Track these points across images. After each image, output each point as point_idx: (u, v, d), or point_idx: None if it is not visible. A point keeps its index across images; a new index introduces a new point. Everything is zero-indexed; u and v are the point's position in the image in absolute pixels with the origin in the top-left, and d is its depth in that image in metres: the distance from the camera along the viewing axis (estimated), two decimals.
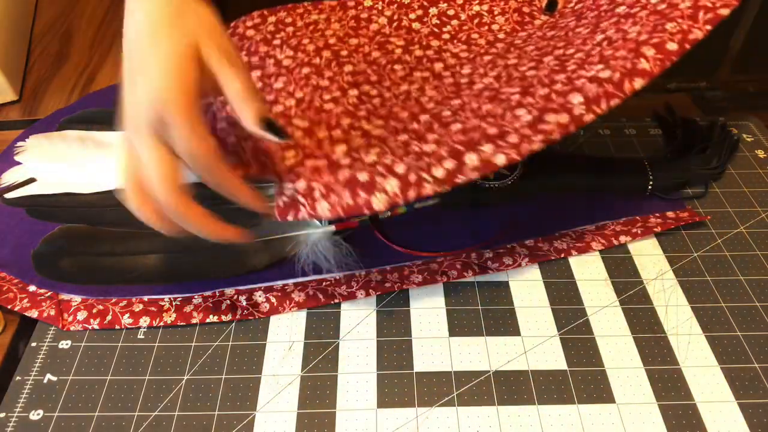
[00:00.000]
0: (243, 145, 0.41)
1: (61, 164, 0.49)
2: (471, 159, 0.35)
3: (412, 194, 0.34)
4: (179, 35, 0.32)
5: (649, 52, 0.36)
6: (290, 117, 0.43)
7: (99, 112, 0.55)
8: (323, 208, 0.35)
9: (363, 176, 0.35)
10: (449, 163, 0.35)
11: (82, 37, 0.69)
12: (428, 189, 0.34)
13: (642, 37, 0.38)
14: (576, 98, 0.36)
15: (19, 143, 0.51)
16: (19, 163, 0.50)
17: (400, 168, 0.35)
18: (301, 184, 0.37)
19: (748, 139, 0.55)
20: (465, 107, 0.40)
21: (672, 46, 0.36)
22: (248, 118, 0.33)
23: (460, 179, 0.34)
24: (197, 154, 0.32)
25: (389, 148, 0.38)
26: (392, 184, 0.35)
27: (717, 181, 0.51)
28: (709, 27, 0.37)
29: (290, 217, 0.36)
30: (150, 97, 0.30)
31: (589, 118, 0.35)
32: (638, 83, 0.36)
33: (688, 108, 0.59)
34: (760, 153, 0.54)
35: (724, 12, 0.38)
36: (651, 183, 0.47)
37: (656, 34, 0.37)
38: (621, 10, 0.43)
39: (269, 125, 0.33)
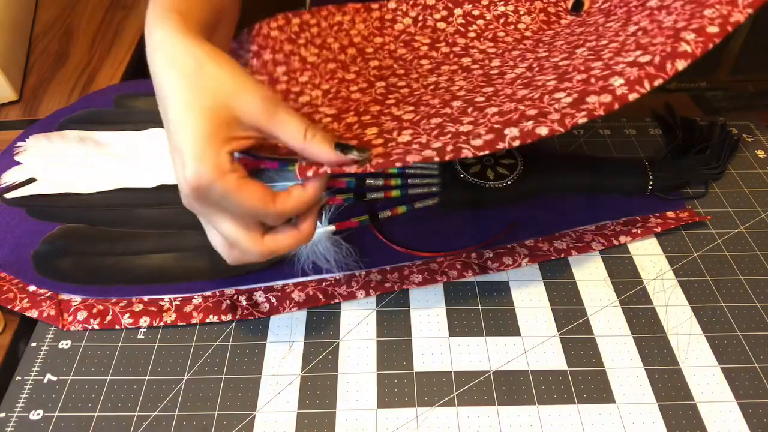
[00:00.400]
0: None
1: (61, 164, 0.49)
2: (511, 131, 0.34)
3: (450, 155, 0.33)
4: (201, 108, 0.31)
5: (690, 36, 0.36)
6: (317, 106, 0.43)
7: (99, 112, 0.55)
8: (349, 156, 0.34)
9: (397, 151, 0.35)
10: (488, 136, 0.34)
11: (82, 37, 0.69)
12: (467, 152, 0.33)
13: (680, 24, 0.37)
14: (617, 81, 0.35)
15: (19, 143, 0.51)
16: (19, 163, 0.50)
17: (436, 144, 0.34)
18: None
19: (748, 139, 0.55)
20: (498, 93, 0.40)
21: (713, 29, 0.36)
22: (323, 154, 0.33)
23: (500, 145, 0.34)
24: (252, 210, 0.32)
25: (423, 129, 0.37)
26: (427, 154, 0.34)
27: (717, 181, 0.51)
28: (750, 11, 0.36)
29: (311, 173, 0.34)
30: (188, 184, 0.31)
31: (632, 96, 0.34)
32: (681, 64, 0.35)
33: (688, 108, 0.59)
34: (760, 153, 0.53)
35: None
36: (651, 183, 0.47)
37: (695, 20, 0.37)
38: (653, 3, 0.42)
39: (344, 148, 0.33)
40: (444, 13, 0.52)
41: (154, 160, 0.49)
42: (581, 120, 0.34)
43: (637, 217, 0.47)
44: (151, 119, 0.54)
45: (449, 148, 0.34)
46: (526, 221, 0.47)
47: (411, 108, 0.41)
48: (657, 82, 0.35)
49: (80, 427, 0.36)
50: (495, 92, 0.40)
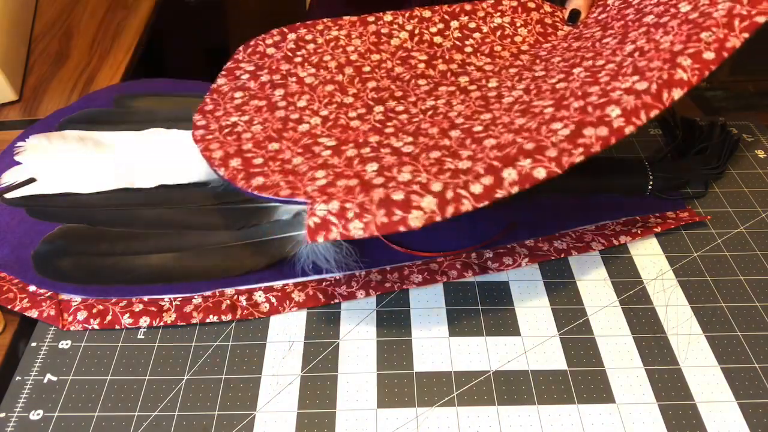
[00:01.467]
0: (270, 165, 0.41)
1: (61, 164, 0.49)
2: (509, 174, 0.34)
3: (450, 211, 0.34)
4: None
5: (686, 62, 0.36)
6: (317, 136, 0.43)
7: (99, 112, 0.55)
8: (356, 227, 0.34)
9: (398, 195, 0.35)
10: (487, 179, 0.34)
11: (82, 37, 0.69)
12: (467, 205, 0.34)
13: (676, 47, 0.37)
14: (614, 111, 0.35)
15: (19, 143, 0.51)
16: (19, 163, 0.50)
17: (436, 186, 0.35)
18: (333, 205, 0.35)
19: (748, 139, 0.55)
20: (496, 122, 0.40)
21: (709, 55, 0.36)
22: None
23: (500, 194, 0.34)
24: None
25: (422, 166, 0.38)
26: (429, 201, 0.34)
27: (717, 181, 0.51)
28: (746, 35, 0.37)
29: (320, 239, 0.35)
30: None
31: (629, 130, 0.34)
32: (677, 93, 0.35)
33: (688, 108, 0.59)
34: (760, 153, 0.54)
35: (761, 20, 0.37)
36: (651, 183, 0.47)
37: (691, 44, 0.37)
38: (650, 19, 0.42)
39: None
40: (440, 26, 0.52)
41: (154, 160, 0.49)
42: (578, 159, 0.34)
43: (637, 217, 0.47)
44: (151, 119, 0.54)
45: (449, 194, 0.34)
46: (526, 221, 0.47)
47: (410, 139, 0.41)
48: (653, 113, 0.35)
49: (80, 427, 0.36)
50: (493, 120, 0.40)
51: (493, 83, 0.46)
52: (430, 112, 0.44)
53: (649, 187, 0.48)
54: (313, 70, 0.48)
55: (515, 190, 0.34)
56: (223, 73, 0.49)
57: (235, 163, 0.41)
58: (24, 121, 0.58)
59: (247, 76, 0.49)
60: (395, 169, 0.38)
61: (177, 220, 0.46)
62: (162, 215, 0.46)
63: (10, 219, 0.46)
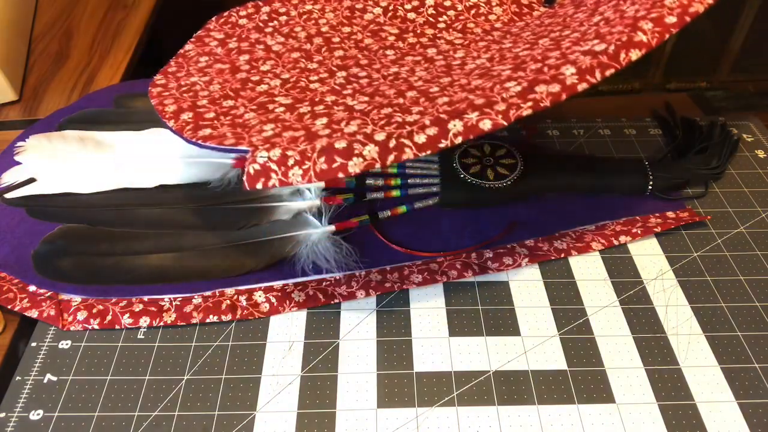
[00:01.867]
0: (222, 119, 0.41)
1: (61, 164, 0.49)
2: (455, 125, 0.34)
3: (391, 158, 0.34)
4: None
5: (647, 25, 0.36)
6: (274, 96, 0.43)
7: (99, 112, 0.55)
8: (295, 174, 0.34)
9: (341, 144, 0.35)
10: (432, 130, 0.34)
11: (82, 37, 0.69)
12: (408, 154, 0.34)
13: (640, 13, 0.37)
14: (568, 69, 0.35)
15: (19, 143, 0.51)
16: (19, 163, 0.50)
17: (379, 136, 0.35)
18: (275, 152, 0.35)
19: (748, 139, 0.55)
20: (454, 84, 0.40)
21: (671, 19, 0.36)
22: None
23: (443, 144, 0.34)
24: None
25: (371, 120, 0.37)
26: (370, 149, 0.34)
27: (717, 181, 0.51)
28: (710, 1, 0.36)
29: (259, 185, 0.35)
30: None
31: (582, 87, 0.34)
32: (635, 54, 0.35)
33: (688, 108, 0.59)
34: (760, 153, 0.54)
35: None
36: (651, 183, 0.47)
37: (654, 9, 0.37)
38: None
39: None
40: (416, 3, 0.52)
41: (154, 160, 0.49)
42: (526, 112, 0.34)
43: (637, 217, 0.47)
44: (151, 119, 0.53)
45: (392, 143, 0.34)
46: (526, 221, 0.47)
47: (366, 99, 0.41)
48: (609, 72, 0.35)
49: (80, 427, 0.36)
50: (451, 82, 0.40)
51: (459, 54, 0.46)
52: (391, 77, 0.44)
53: (649, 187, 0.48)
54: (282, 39, 0.49)
55: (459, 140, 0.34)
56: (193, 40, 0.50)
57: (186, 116, 0.41)
58: (24, 121, 0.58)
59: (215, 43, 0.49)
60: (343, 123, 0.38)
61: (177, 220, 0.46)
62: (162, 215, 0.46)
63: (10, 219, 0.46)
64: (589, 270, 0.44)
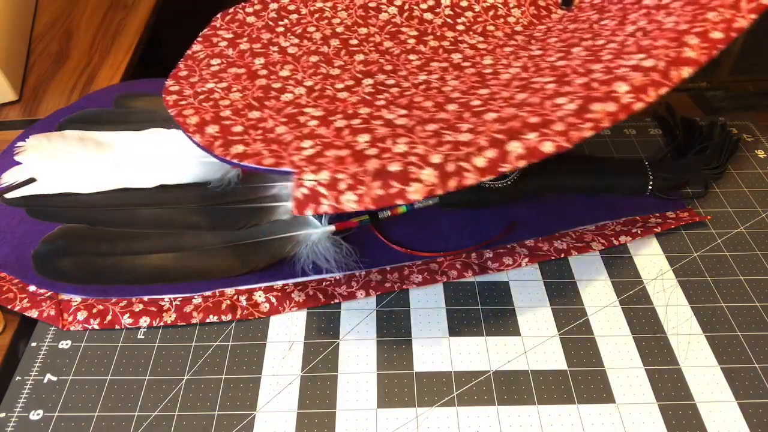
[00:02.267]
0: (251, 133, 0.39)
1: (61, 164, 0.49)
2: (514, 147, 0.32)
3: (452, 184, 0.31)
4: None
5: (693, 41, 0.35)
6: (301, 106, 0.41)
7: (99, 112, 0.55)
8: (349, 199, 0.32)
9: (394, 166, 0.32)
10: (491, 152, 0.32)
11: (82, 37, 0.69)
12: (470, 179, 0.31)
13: (682, 26, 0.36)
14: (621, 87, 0.34)
15: (19, 143, 0.51)
16: (19, 163, 0.50)
17: (435, 158, 0.32)
18: (323, 175, 0.33)
19: (748, 139, 0.55)
20: (495, 96, 0.38)
21: (717, 35, 0.35)
22: None
23: (505, 168, 0.32)
24: None
25: (418, 137, 0.35)
26: (428, 174, 0.32)
27: (717, 181, 0.51)
28: (753, 16, 0.36)
29: (309, 211, 0.33)
30: None
31: (638, 106, 0.33)
32: (686, 72, 0.34)
33: (688, 108, 0.59)
34: (760, 153, 0.53)
35: (766, 1, 0.36)
36: (651, 183, 0.47)
37: (698, 23, 0.36)
38: (648, 2, 0.41)
39: None
40: (431, 2, 0.50)
41: (155, 160, 0.49)
42: (587, 134, 0.32)
43: (637, 217, 0.47)
44: (151, 119, 0.54)
45: (450, 167, 0.32)
46: (526, 221, 0.47)
47: (403, 111, 0.39)
48: (662, 91, 0.34)
49: (80, 427, 0.36)
50: (491, 95, 0.39)
51: (487, 60, 0.44)
52: (422, 86, 0.42)
53: (649, 187, 0.48)
54: (296, 41, 0.47)
55: (521, 164, 0.32)
56: (199, 39, 0.48)
57: (211, 130, 0.39)
58: (24, 121, 0.58)
59: (225, 43, 0.47)
60: (389, 141, 0.36)
61: (177, 220, 0.46)
62: (162, 215, 0.46)
63: (10, 219, 0.46)
64: (589, 270, 0.44)
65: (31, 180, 0.48)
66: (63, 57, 0.66)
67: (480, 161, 0.32)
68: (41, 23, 0.70)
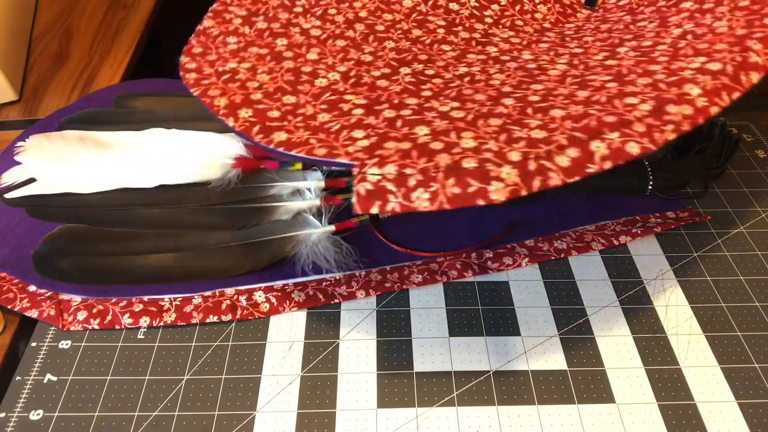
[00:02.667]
0: (290, 119, 0.36)
1: (61, 164, 0.49)
2: (598, 146, 0.30)
3: (536, 184, 0.30)
4: None
5: (757, 46, 0.34)
6: (341, 93, 0.38)
7: (99, 112, 0.55)
8: (421, 197, 0.29)
9: (468, 162, 0.30)
10: (573, 151, 0.30)
11: (82, 37, 0.69)
12: (555, 179, 0.30)
13: (739, 31, 0.35)
14: (694, 90, 0.32)
15: (19, 143, 0.51)
16: (19, 163, 0.50)
17: (513, 155, 0.30)
18: (389, 169, 0.30)
19: (748, 139, 0.55)
20: (552, 93, 0.36)
21: None
22: None
23: (591, 169, 0.30)
24: None
25: (485, 132, 0.33)
26: (508, 172, 0.29)
27: (717, 181, 0.51)
28: None
29: (375, 209, 0.30)
30: None
31: (714, 110, 0.32)
32: (755, 77, 0.33)
33: None
34: (760, 153, 0.53)
35: None
36: (651, 183, 0.47)
37: (756, 29, 0.35)
38: (689, 5, 0.41)
39: None
40: None
41: (155, 160, 0.49)
42: (670, 136, 0.31)
43: (637, 217, 0.47)
44: (151, 119, 0.53)
45: (532, 165, 0.30)
46: (526, 221, 0.47)
47: (456, 104, 0.36)
48: (735, 95, 0.33)
49: (80, 427, 0.36)
50: (548, 91, 0.36)
51: (527, 56, 0.42)
52: (467, 78, 0.39)
53: (649, 187, 0.48)
54: (318, 23, 0.44)
55: (607, 165, 0.30)
56: (210, 15, 0.45)
57: (245, 114, 0.36)
58: (24, 121, 0.58)
59: (239, 21, 0.44)
60: (453, 134, 0.33)
61: (177, 220, 0.46)
62: (162, 215, 0.46)
63: (10, 219, 0.46)
64: (589, 270, 0.44)
65: (31, 180, 0.48)
66: (63, 57, 0.66)
67: (563, 160, 0.30)
68: (41, 23, 0.70)
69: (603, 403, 0.37)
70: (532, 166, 0.30)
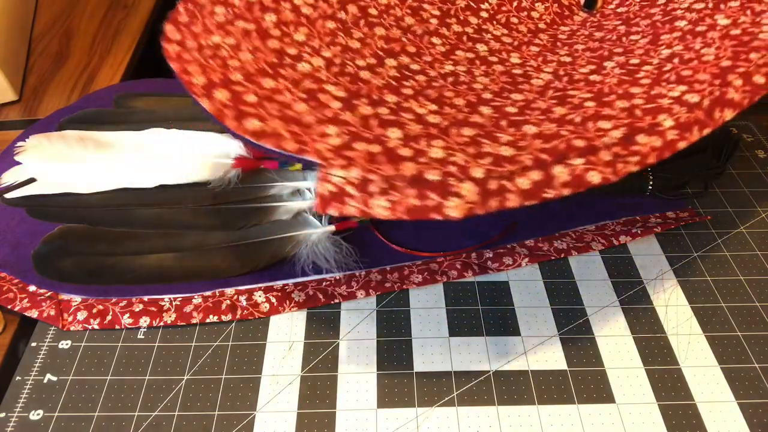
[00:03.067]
0: (266, 106, 0.35)
1: (61, 164, 0.49)
2: (561, 172, 0.31)
3: (493, 204, 0.30)
4: None
5: (737, 81, 0.34)
6: (322, 81, 0.37)
7: (99, 112, 0.55)
8: (380, 205, 0.29)
9: (432, 175, 0.30)
10: (535, 174, 0.30)
11: (82, 37, 0.69)
12: (513, 201, 0.30)
13: (724, 62, 0.36)
14: (667, 121, 0.32)
15: (19, 143, 0.51)
16: (19, 163, 0.50)
17: (477, 172, 0.30)
18: (353, 173, 0.30)
19: (748, 139, 0.55)
20: (531, 105, 0.36)
21: (759, 80, 0.34)
22: None
23: (549, 194, 0.30)
24: None
25: (455, 143, 0.33)
26: (469, 189, 0.30)
27: (717, 181, 0.51)
28: None
29: (333, 210, 0.30)
30: None
31: (682, 145, 0.32)
32: (728, 114, 0.33)
33: None
34: (760, 153, 0.53)
35: None
36: (651, 183, 0.47)
37: (740, 62, 0.35)
38: (682, 25, 0.41)
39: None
40: None
41: (155, 160, 0.49)
42: (633, 168, 0.31)
43: (637, 217, 0.47)
44: (151, 119, 0.54)
45: (492, 185, 0.30)
46: (526, 221, 0.47)
47: (434, 107, 0.37)
48: (705, 131, 0.33)
49: (80, 427, 0.36)
50: (527, 103, 0.37)
51: (515, 59, 0.42)
52: (450, 79, 0.39)
53: (649, 187, 0.48)
54: (310, 0, 0.42)
55: (566, 192, 0.31)
56: None
57: (221, 95, 0.35)
58: (24, 121, 0.58)
59: None
60: (423, 142, 0.33)
61: (177, 220, 0.46)
62: (162, 215, 0.46)
63: (10, 219, 0.46)
64: (589, 270, 0.44)
65: (31, 180, 0.48)
66: (63, 57, 0.66)
67: (524, 183, 0.30)
68: (41, 23, 0.70)
69: (603, 403, 0.37)
70: (492, 185, 0.30)
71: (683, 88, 0.35)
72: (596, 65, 0.40)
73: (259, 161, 0.48)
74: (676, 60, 0.38)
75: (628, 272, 0.44)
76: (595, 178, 0.31)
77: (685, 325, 0.41)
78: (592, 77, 0.39)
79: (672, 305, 0.42)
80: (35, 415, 0.37)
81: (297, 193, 0.46)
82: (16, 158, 0.50)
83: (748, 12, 0.39)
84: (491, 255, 0.45)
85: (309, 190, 0.46)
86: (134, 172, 0.48)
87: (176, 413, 0.37)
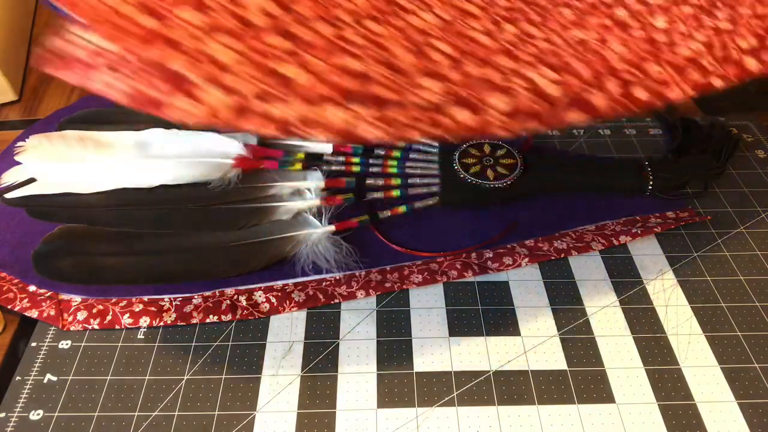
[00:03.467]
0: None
1: (61, 164, 0.49)
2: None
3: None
4: None
5: (610, 84, 0.32)
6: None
7: (99, 112, 0.55)
8: (112, 82, 0.26)
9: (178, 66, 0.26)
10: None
11: None
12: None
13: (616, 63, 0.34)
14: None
15: (19, 143, 0.51)
16: (19, 163, 0.50)
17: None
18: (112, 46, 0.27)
19: (748, 139, 0.55)
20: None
21: (641, 94, 0.33)
22: None
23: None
24: None
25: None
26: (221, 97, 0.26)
27: (717, 181, 0.51)
28: (690, 92, 0.34)
29: (56, 71, 0.27)
30: None
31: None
32: (573, 116, 0.31)
33: (688, 108, 0.59)
34: (760, 153, 0.54)
35: None
36: (651, 183, 0.47)
37: (635, 68, 0.33)
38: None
39: None
40: None
41: (155, 160, 0.49)
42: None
43: (637, 217, 0.47)
44: (151, 119, 0.53)
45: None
46: (526, 221, 0.47)
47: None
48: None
49: (80, 427, 0.36)
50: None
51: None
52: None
53: (649, 187, 0.48)
54: None
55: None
56: None
57: None
58: (24, 121, 0.58)
59: None
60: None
61: (177, 220, 0.46)
62: (162, 215, 0.46)
63: (10, 219, 0.46)
64: (589, 270, 0.44)
65: (31, 180, 0.48)
66: None
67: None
68: (41, 23, 0.70)
69: (603, 403, 0.37)
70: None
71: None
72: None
73: (259, 161, 0.48)
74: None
75: (628, 272, 0.44)
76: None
77: (685, 325, 0.41)
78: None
79: (672, 305, 0.42)
80: (35, 415, 0.37)
81: (297, 193, 0.46)
82: (16, 158, 0.50)
83: None
84: (491, 255, 0.45)
85: (309, 190, 0.46)
86: (134, 172, 0.48)
87: (176, 413, 0.37)
